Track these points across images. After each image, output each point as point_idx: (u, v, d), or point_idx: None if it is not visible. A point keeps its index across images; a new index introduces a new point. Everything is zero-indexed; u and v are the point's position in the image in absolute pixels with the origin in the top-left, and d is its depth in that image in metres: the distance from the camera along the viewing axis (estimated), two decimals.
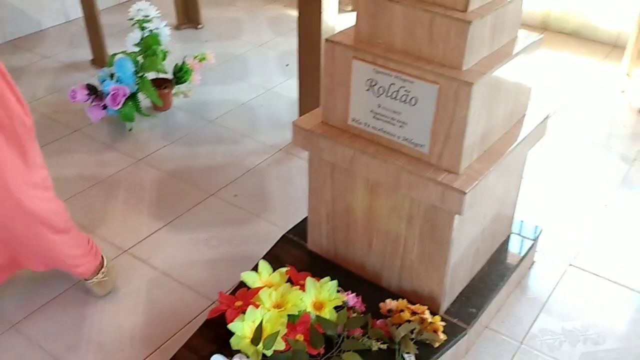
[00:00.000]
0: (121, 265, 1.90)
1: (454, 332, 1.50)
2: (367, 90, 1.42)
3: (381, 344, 1.44)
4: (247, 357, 1.41)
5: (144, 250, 1.96)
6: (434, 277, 1.51)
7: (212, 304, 1.76)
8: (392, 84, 1.37)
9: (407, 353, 1.44)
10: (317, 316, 1.48)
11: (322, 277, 1.60)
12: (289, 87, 2.89)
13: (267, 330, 1.44)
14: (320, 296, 1.53)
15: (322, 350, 1.42)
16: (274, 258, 1.71)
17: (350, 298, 1.53)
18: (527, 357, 1.63)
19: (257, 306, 1.49)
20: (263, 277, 1.59)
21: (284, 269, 1.61)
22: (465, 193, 1.32)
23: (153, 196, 2.20)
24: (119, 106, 2.44)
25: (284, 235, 1.81)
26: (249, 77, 3.03)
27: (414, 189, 1.40)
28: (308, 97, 2.37)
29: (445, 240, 1.44)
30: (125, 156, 2.41)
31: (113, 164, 2.37)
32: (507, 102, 1.47)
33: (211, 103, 2.78)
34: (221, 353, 1.43)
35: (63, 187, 2.23)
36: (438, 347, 1.46)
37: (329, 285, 1.55)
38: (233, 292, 1.60)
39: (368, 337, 1.45)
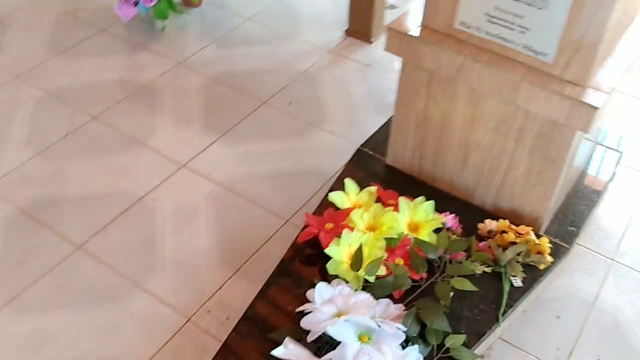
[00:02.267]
0: (182, 181, 1.77)
1: (557, 253, 1.43)
2: None
3: (486, 267, 1.37)
4: (347, 282, 1.33)
5: (203, 165, 1.83)
6: (540, 196, 1.41)
7: (284, 223, 1.66)
8: None
9: (514, 276, 1.37)
10: (416, 239, 1.39)
11: (405, 194, 1.49)
12: None
13: (365, 255, 1.35)
14: (415, 217, 1.43)
15: (424, 275, 1.35)
16: (351, 174, 1.59)
17: (449, 219, 1.44)
18: (621, 273, 1.57)
19: (351, 229, 1.39)
20: (351, 197, 1.48)
21: (372, 188, 1.50)
22: (596, 109, 1.19)
23: (201, 105, 2.04)
24: (153, 2, 2.21)
25: (358, 149, 1.69)
26: None
27: (534, 102, 1.26)
28: None
29: (560, 157, 1.33)
30: (163, 59, 2.21)
31: (151, 67, 2.18)
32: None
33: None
34: (317, 278, 1.35)
35: (103, 92, 2.06)
36: (543, 269, 1.39)
37: (425, 206, 1.44)
38: (317, 212, 1.50)
39: (471, 261, 1.37)
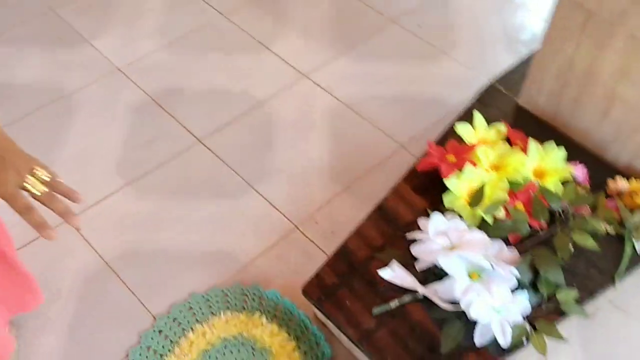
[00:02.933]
0: (303, 91, 1.77)
1: None
2: None
3: (610, 227, 1.31)
4: (460, 217, 1.30)
5: (324, 78, 1.81)
6: None
7: (400, 148, 1.64)
8: None
9: (638, 241, 1.30)
10: (541, 186, 1.34)
11: (534, 138, 1.42)
12: None
13: (486, 194, 1.32)
14: (543, 163, 1.37)
15: (544, 225, 1.30)
16: (480, 109, 1.53)
17: (578, 171, 1.37)
18: None
19: (474, 165, 1.35)
20: (478, 132, 1.43)
21: (501, 126, 1.44)
22: None
23: (330, 15, 2.00)
24: None
25: (491, 85, 1.62)
26: None
27: None
28: None
29: None
30: None
31: None
32: None
33: None
34: (430, 209, 1.33)
35: None
36: None
37: (556, 153, 1.38)
38: (439, 142, 1.46)
39: (596, 219, 1.31)
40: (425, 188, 1.39)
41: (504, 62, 1.77)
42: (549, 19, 1.39)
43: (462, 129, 1.42)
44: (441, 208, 1.33)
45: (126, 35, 1.92)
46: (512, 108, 1.58)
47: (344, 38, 1.93)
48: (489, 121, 1.47)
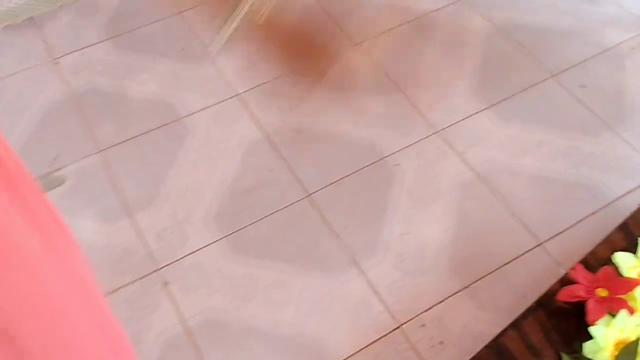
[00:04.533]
0: (432, 149, 1.55)
1: None
2: None
3: None
4: None
5: (460, 137, 1.57)
6: None
7: (537, 245, 1.39)
8: None
9: None
10: None
11: None
12: None
13: (637, 349, 1.07)
14: None
15: None
16: None
17: None
18: None
19: (632, 310, 1.09)
20: None
21: None
22: None
23: (477, 57, 1.74)
24: None
25: None
26: None
27: None
28: None
29: None
30: None
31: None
32: None
33: None
34: (563, 352, 1.10)
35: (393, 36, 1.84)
36: None
37: None
38: (590, 261, 1.21)
39: None
40: (560, 325, 1.15)
41: None
42: None
43: (622, 259, 1.16)
44: (577, 354, 1.09)
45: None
46: None
47: (490, 88, 1.67)
48: None
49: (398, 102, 1.64)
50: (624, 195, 1.45)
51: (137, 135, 1.59)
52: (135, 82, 1.70)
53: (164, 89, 1.68)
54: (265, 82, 1.68)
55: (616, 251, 1.16)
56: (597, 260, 1.20)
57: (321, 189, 1.48)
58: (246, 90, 1.67)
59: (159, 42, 1.79)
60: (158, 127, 1.60)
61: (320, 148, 1.56)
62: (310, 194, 1.48)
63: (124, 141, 1.57)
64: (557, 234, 1.40)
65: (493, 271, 1.35)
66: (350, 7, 1.86)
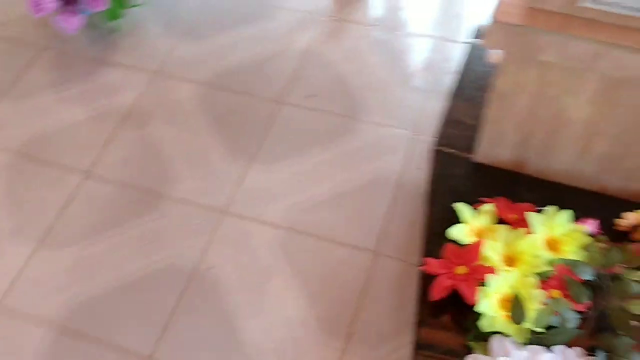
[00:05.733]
0: (232, 234, 1.46)
1: None
2: None
3: None
4: (508, 337, 1.12)
5: (246, 205, 1.51)
6: None
7: (374, 256, 1.41)
8: None
9: None
10: (565, 261, 1.18)
11: (513, 195, 1.28)
12: None
13: (522, 299, 1.14)
14: (553, 233, 1.22)
15: (589, 303, 1.16)
16: (439, 186, 1.35)
17: (591, 226, 1.23)
18: None
19: (490, 270, 1.17)
20: (472, 226, 1.24)
21: (490, 207, 1.26)
22: None
23: (209, 121, 1.67)
24: (105, 4, 1.76)
25: (435, 151, 1.43)
26: None
27: None
28: None
29: None
30: (134, 71, 1.80)
31: (123, 85, 1.77)
32: None
33: None
34: (468, 340, 1.13)
35: (79, 134, 1.66)
36: None
37: (562, 218, 1.23)
38: (432, 251, 1.25)
39: (635, 273, 1.19)
40: (442, 318, 1.18)
41: (417, 102, 1.59)
42: (499, 74, 1.21)
43: (456, 232, 1.22)
44: (482, 334, 1.14)
45: None
46: (473, 168, 1.41)
47: (240, 142, 1.62)
48: (457, 195, 1.29)
49: (167, 210, 1.51)
50: (402, 170, 1.54)
51: None
52: None
53: None
54: None
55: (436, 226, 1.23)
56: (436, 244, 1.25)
57: (157, 342, 1.31)
58: None
59: None
60: None
61: (122, 300, 1.37)
62: (152, 355, 1.29)
63: None
64: (380, 234, 1.44)
65: (359, 305, 1.34)
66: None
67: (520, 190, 1.32)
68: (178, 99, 1.73)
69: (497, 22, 1.10)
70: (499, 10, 1.10)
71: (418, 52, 1.83)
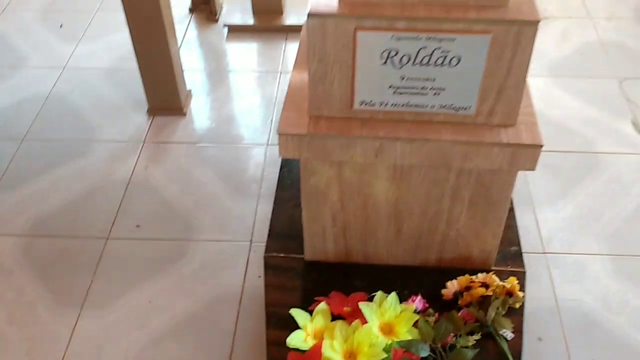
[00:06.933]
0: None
1: (521, 282, 1.37)
2: (384, 63, 1.07)
3: (476, 336, 1.26)
4: None
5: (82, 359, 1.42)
6: (488, 237, 1.33)
7: None
8: (422, 48, 1.05)
9: (504, 330, 1.28)
10: (400, 343, 1.22)
11: (348, 286, 1.32)
12: (95, 56, 2.26)
13: None
14: (384, 318, 1.26)
15: None
16: (275, 290, 1.37)
17: (418, 303, 1.29)
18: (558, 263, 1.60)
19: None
20: (309, 329, 1.25)
21: (323, 306, 1.28)
22: (541, 146, 1.12)
23: (31, 277, 1.57)
24: None
25: (266, 257, 1.44)
26: (26, 60, 2.28)
27: (471, 159, 1.15)
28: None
29: (504, 198, 1.25)
30: None
31: None
32: None
33: (3, 115, 2.05)
34: None
35: None
36: (519, 306, 1.33)
37: (389, 301, 1.27)
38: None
39: (464, 339, 1.25)
40: None
41: (251, 212, 1.61)
42: (302, 180, 1.26)
43: (294, 339, 1.22)
44: None
45: None
46: (304, 267, 1.43)
47: (70, 293, 1.53)
48: (293, 296, 1.32)
49: None
50: (245, 283, 1.54)
51: None
52: None
53: None
54: None
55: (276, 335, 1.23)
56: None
57: None
58: None
59: None
60: None
61: None
62: None
63: None
64: (236, 357, 1.40)
65: None
66: None
67: (352, 279, 1.38)
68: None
69: (286, 136, 1.16)
70: (283, 122, 1.17)
71: (243, 161, 1.87)
